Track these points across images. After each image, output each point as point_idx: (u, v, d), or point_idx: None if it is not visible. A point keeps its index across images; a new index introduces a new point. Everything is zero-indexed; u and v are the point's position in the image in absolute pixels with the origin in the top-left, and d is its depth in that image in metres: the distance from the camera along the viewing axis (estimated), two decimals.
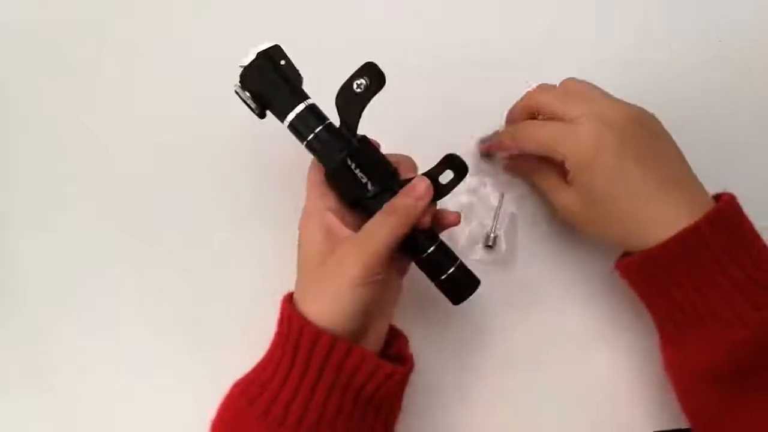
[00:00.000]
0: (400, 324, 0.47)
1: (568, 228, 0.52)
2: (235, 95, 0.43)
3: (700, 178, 0.54)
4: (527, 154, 0.49)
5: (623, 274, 0.46)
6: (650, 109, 0.55)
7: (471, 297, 0.45)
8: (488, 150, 0.53)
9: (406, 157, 0.45)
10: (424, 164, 0.44)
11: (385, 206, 0.42)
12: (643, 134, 0.44)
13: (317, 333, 0.39)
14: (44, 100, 0.56)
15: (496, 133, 0.53)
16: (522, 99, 0.49)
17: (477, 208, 0.53)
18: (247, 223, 0.53)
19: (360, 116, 0.43)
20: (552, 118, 0.46)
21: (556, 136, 0.45)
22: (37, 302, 0.52)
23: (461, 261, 0.45)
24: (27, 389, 0.50)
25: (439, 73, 0.56)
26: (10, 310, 0.52)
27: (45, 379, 0.50)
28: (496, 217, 0.53)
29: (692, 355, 0.43)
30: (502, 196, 0.53)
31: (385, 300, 0.43)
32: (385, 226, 0.41)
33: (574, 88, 0.47)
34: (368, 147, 0.43)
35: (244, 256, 0.52)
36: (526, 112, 0.49)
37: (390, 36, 0.57)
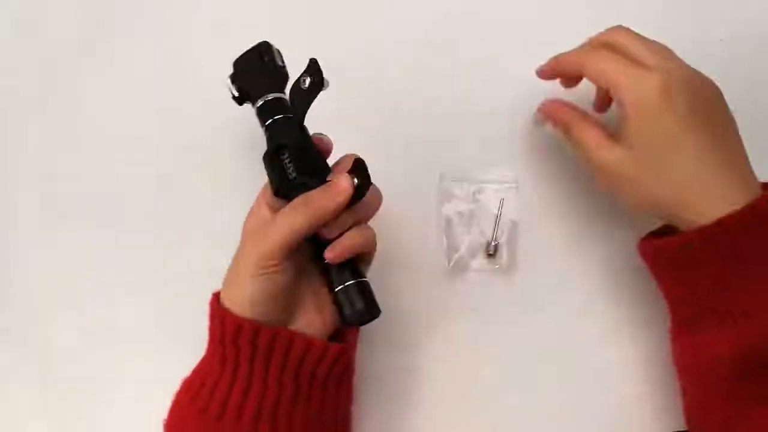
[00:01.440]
0: (402, 332, 0.47)
1: (570, 233, 0.52)
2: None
3: None
4: (569, 106, 0.47)
5: (649, 255, 0.44)
6: None
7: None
8: (545, 71, 0.49)
9: (351, 155, 0.44)
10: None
11: (296, 199, 0.42)
12: (716, 105, 0.43)
13: (239, 322, 0.39)
14: (44, 99, 0.57)
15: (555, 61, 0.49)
16: (599, 35, 0.46)
17: (477, 216, 0.53)
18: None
19: (305, 110, 0.44)
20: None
21: (628, 73, 0.42)
22: (37, 302, 0.52)
23: (364, 281, 0.43)
24: (27, 389, 0.51)
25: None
26: (10, 310, 0.52)
27: (45, 377, 0.51)
28: (496, 225, 0.52)
29: (708, 343, 0.41)
30: (502, 202, 0.53)
31: (308, 288, 0.44)
32: (288, 218, 0.41)
33: (654, 42, 0.44)
34: (305, 140, 0.44)
35: None
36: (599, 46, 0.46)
37: (389, 36, 0.57)
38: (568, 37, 0.58)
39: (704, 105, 0.42)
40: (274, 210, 0.43)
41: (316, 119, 0.44)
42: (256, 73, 0.46)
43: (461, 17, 0.58)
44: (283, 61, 0.47)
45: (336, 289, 0.42)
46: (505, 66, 0.56)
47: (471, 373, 0.51)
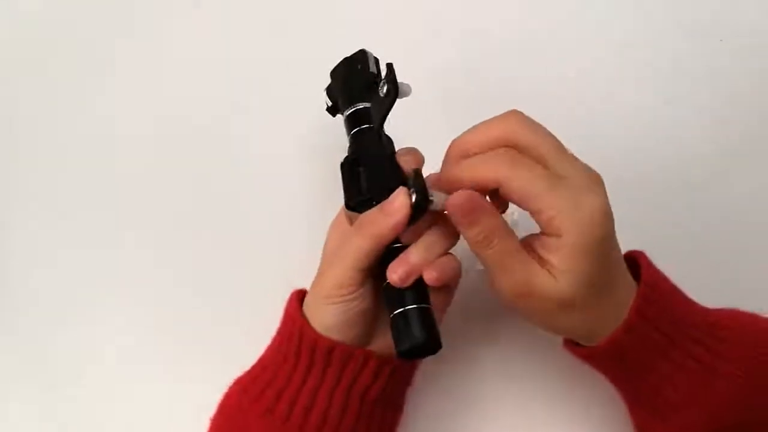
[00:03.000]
0: None
1: None
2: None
3: (702, 178, 0.54)
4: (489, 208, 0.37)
5: (581, 357, 0.42)
6: (652, 109, 0.55)
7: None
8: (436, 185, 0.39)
9: (412, 155, 0.41)
10: None
11: (357, 219, 0.39)
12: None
13: (316, 337, 0.39)
14: (44, 99, 0.57)
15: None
16: (493, 124, 0.38)
17: None
18: (251, 221, 0.53)
19: (382, 119, 0.41)
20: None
21: (556, 198, 0.35)
22: (37, 302, 0.52)
23: (427, 307, 0.37)
24: (27, 389, 0.50)
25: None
26: (11, 310, 0.52)
27: (45, 379, 0.50)
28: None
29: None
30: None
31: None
32: (353, 242, 0.38)
33: (552, 139, 0.38)
34: (380, 152, 0.41)
35: (245, 256, 0.52)
36: (494, 144, 0.38)
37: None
38: (568, 37, 0.58)
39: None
40: (351, 223, 0.41)
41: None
42: (348, 82, 0.44)
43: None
44: (378, 69, 0.44)
45: (393, 314, 0.37)
46: (504, 62, 0.56)
47: (471, 372, 0.50)
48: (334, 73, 0.46)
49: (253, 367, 0.42)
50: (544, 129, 0.38)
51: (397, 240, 0.38)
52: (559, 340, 0.47)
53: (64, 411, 0.50)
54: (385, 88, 0.40)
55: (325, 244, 0.43)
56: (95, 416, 0.50)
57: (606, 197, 0.36)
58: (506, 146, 0.37)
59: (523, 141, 0.37)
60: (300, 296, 0.42)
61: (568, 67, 0.56)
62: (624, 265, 0.39)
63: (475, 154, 0.38)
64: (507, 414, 0.49)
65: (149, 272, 0.52)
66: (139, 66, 0.58)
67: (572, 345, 0.42)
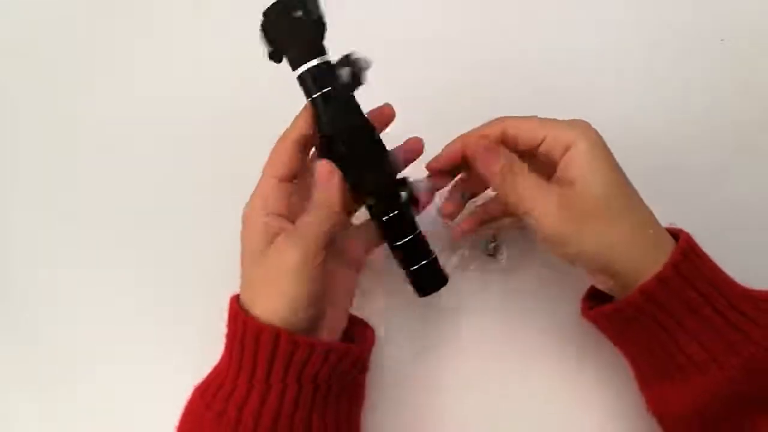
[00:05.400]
0: (401, 333, 0.46)
1: None
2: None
3: (703, 178, 0.54)
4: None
5: (600, 322, 0.44)
6: (653, 109, 0.56)
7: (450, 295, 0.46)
8: (440, 162, 0.47)
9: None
10: None
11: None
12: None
13: (259, 328, 0.39)
14: (43, 99, 0.58)
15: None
16: (493, 125, 0.45)
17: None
18: None
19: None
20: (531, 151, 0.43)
21: (553, 125, 0.43)
22: (37, 302, 0.53)
23: (435, 256, 0.45)
24: (27, 389, 0.51)
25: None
26: (11, 310, 0.52)
27: (45, 379, 0.51)
28: (491, 225, 0.52)
29: (672, 400, 0.42)
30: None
31: (336, 292, 0.43)
32: (314, 216, 0.41)
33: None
34: (362, 132, 0.42)
35: None
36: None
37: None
38: (568, 37, 0.58)
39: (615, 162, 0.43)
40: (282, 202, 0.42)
41: None
42: (294, 31, 0.40)
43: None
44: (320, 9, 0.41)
45: (421, 264, 0.44)
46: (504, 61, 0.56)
47: (472, 372, 0.51)
48: (271, 15, 0.41)
49: (210, 371, 0.43)
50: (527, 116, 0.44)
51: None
52: (556, 341, 0.48)
53: (64, 411, 0.50)
54: (344, 76, 0.40)
55: (247, 243, 0.43)
56: (95, 416, 0.50)
57: (594, 138, 0.42)
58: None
59: (516, 133, 0.44)
60: (238, 298, 0.42)
61: (568, 66, 0.56)
62: (649, 211, 0.42)
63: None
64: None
65: (150, 272, 0.52)
66: (139, 66, 0.58)
67: (596, 308, 0.42)
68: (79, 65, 0.59)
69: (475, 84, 0.57)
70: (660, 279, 0.39)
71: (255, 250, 0.42)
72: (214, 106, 0.57)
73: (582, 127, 0.42)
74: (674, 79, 0.57)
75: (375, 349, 0.47)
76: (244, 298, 0.42)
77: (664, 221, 0.43)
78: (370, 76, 0.40)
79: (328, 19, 0.40)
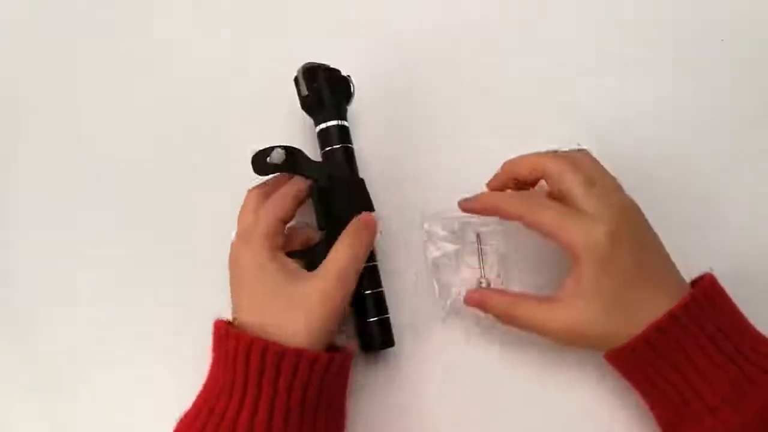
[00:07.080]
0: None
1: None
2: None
3: (703, 177, 0.54)
4: (497, 292, 0.47)
5: (612, 363, 0.44)
6: (653, 109, 0.55)
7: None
8: (471, 211, 0.48)
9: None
10: None
11: (348, 232, 0.45)
12: (646, 224, 0.44)
13: (250, 340, 0.40)
14: (43, 98, 0.57)
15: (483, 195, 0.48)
16: (526, 159, 0.46)
17: (463, 254, 0.51)
18: None
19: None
20: (556, 192, 0.44)
21: (573, 228, 0.42)
22: (37, 302, 0.52)
23: (388, 317, 0.48)
24: (27, 389, 0.50)
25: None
26: (11, 310, 0.52)
27: (45, 379, 0.50)
28: (480, 260, 0.50)
29: None
30: (478, 236, 0.51)
31: None
32: (349, 250, 0.44)
33: (586, 166, 0.44)
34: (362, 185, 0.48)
35: None
36: (528, 175, 0.46)
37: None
38: (568, 38, 0.58)
39: (642, 233, 0.43)
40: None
41: None
42: (335, 94, 0.49)
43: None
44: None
45: (369, 320, 0.47)
46: (503, 62, 0.56)
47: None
48: (315, 75, 0.49)
49: (195, 400, 0.42)
50: (574, 164, 0.44)
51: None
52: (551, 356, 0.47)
53: (64, 411, 0.50)
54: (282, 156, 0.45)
55: (253, 272, 0.44)
56: (95, 416, 0.50)
57: (615, 217, 0.42)
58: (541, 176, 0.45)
59: (545, 174, 0.45)
60: (222, 322, 0.43)
61: (567, 67, 0.56)
62: (660, 267, 0.43)
63: (517, 177, 0.46)
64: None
65: (151, 272, 0.52)
66: (138, 66, 0.58)
67: (613, 353, 0.43)
68: (79, 65, 0.58)
69: (475, 84, 0.57)
70: (672, 315, 0.40)
71: (272, 282, 0.43)
72: (214, 105, 0.56)
73: (594, 236, 0.42)
74: (674, 79, 0.57)
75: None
76: (252, 322, 0.42)
77: (663, 221, 0.43)
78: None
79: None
